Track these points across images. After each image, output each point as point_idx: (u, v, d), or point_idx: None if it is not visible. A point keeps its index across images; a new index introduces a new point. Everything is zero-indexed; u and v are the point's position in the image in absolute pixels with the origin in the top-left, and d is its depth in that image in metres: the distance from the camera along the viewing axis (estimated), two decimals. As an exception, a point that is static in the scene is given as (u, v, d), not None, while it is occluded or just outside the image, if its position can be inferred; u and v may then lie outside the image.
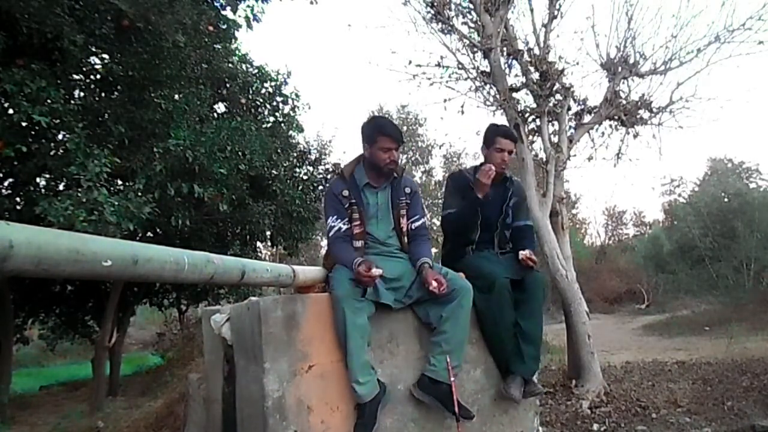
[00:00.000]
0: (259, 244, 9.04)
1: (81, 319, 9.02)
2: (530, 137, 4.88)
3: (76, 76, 5.82)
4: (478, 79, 4.87)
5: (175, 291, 9.73)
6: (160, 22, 5.12)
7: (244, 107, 7.70)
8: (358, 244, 2.41)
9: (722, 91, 5.17)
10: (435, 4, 4.84)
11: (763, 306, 11.17)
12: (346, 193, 2.43)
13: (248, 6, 6.71)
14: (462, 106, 4.94)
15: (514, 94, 4.83)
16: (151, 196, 5.10)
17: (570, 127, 5.01)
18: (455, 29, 4.89)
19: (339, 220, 2.41)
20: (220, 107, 7.85)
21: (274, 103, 8.12)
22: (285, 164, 7.79)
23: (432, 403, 2.37)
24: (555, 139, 4.91)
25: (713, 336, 9.00)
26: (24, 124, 4.67)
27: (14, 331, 7.62)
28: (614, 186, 41.38)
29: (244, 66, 7.94)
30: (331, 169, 8.97)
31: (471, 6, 4.91)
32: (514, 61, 5.00)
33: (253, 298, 2.35)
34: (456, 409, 2.32)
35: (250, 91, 7.89)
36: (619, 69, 5.02)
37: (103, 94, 5.97)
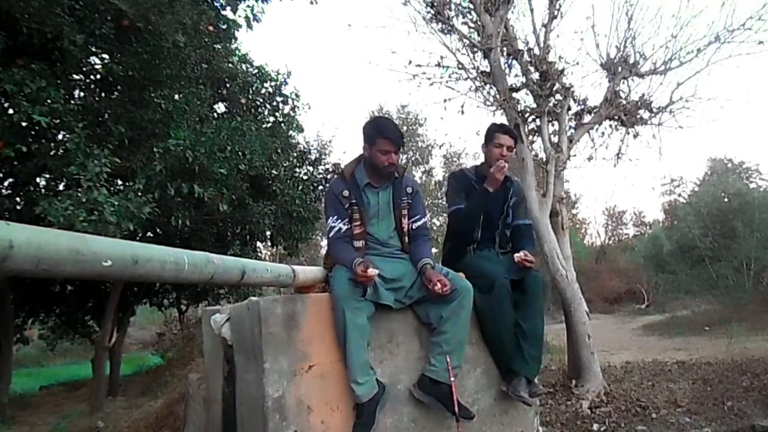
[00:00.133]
0: (259, 244, 9.05)
1: (81, 319, 9.01)
2: (530, 137, 4.88)
3: (76, 76, 5.81)
4: (478, 79, 4.87)
5: (175, 291, 9.73)
6: (160, 22, 5.12)
7: (244, 107, 7.70)
8: (359, 244, 2.41)
9: (722, 91, 5.18)
10: (435, 4, 4.84)
11: (763, 306, 11.16)
12: (346, 193, 2.42)
13: (248, 6, 6.72)
14: (462, 106, 4.95)
15: (514, 94, 4.83)
16: (151, 196, 5.10)
17: (570, 127, 5.01)
18: (455, 29, 4.89)
19: (339, 221, 2.40)
20: (220, 107, 7.85)
21: (274, 103, 8.12)
22: (285, 164, 7.78)
23: (432, 403, 2.37)
24: (555, 139, 4.91)
25: (713, 336, 8.99)
26: (24, 124, 4.66)
27: (14, 331, 7.62)
28: (614, 186, 41.40)
29: (244, 66, 7.94)
30: (331, 169, 8.98)
31: (471, 6, 4.91)
32: (514, 61, 5.00)
33: (253, 298, 2.34)
34: (456, 409, 2.32)
35: (250, 91, 7.88)
36: (619, 69, 5.02)
37: (103, 94, 5.97)
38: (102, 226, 4.33)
